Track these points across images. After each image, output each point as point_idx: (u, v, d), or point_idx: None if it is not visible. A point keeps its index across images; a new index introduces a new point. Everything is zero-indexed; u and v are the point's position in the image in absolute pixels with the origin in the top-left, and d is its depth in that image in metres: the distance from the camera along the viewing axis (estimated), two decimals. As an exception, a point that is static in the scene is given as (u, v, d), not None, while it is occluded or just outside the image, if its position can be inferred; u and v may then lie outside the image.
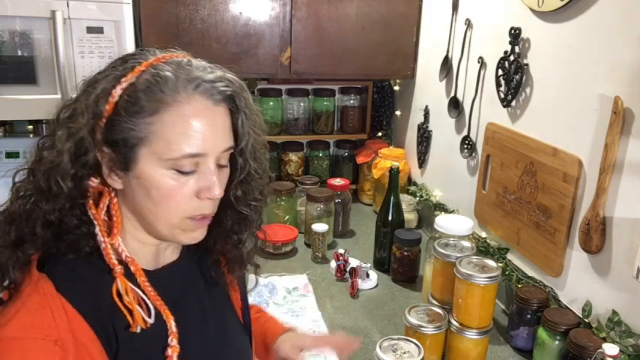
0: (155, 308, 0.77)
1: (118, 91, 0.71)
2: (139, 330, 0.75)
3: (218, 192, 0.76)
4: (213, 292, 0.92)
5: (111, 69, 0.74)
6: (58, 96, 1.67)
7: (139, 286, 0.76)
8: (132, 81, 0.71)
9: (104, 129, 0.71)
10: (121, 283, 0.74)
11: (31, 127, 2.00)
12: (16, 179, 0.76)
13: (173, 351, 0.77)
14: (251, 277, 1.01)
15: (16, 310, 0.69)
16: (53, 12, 1.61)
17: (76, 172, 0.72)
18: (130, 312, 0.74)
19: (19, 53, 1.67)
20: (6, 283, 0.72)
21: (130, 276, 0.76)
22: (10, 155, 1.92)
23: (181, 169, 0.73)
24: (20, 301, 0.70)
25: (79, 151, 0.71)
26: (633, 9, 1.14)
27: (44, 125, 1.96)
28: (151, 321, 0.76)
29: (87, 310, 0.71)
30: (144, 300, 0.76)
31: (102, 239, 0.75)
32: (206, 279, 0.92)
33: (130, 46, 1.76)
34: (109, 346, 0.73)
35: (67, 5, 1.65)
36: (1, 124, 1.96)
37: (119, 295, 0.74)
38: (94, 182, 0.75)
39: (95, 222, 0.75)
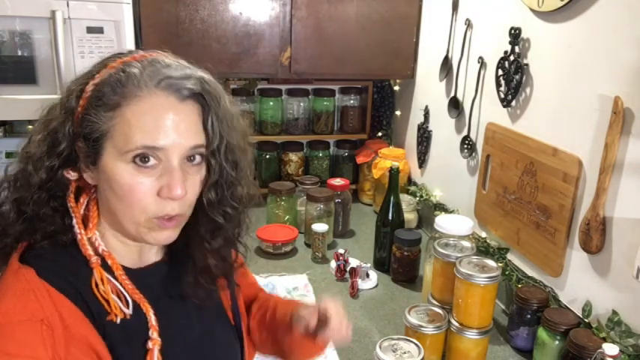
0: (134, 302, 0.78)
1: (90, 87, 0.74)
2: (118, 321, 0.76)
3: (179, 191, 0.74)
4: (199, 294, 0.89)
5: (91, 68, 0.78)
6: (58, 96, 1.66)
7: (116, 279, 0.77)
8: (104, 77, 0.74)
9: (77, 123, 0.75)
10: (97, 272, 0.76)
11: (31, 127, 1.99)
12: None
13: (154, 344, 0.78)
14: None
15: None
16: (53, 12, 1.61)
17: (51, 164, 0.75)
18: (108, 302, 0.75)
19: (19, 53, 1.67)
20: None
21: (108, 270, 0.77)
22: (10, 155, 1.92)
23: (139, 164, 0.73)
24: (1, 291, 0.71)
25: (53, 143, 0.74)
26: (633, 9, 1.14)
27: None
28: (128, 312, 0.77)
29: (71, 294, 0.73)
30: (122, 292, 0.77)
31: (78, 231, 0.77)
32: (191, 280, 0.89)
33: (130, 46, 1.76)
34: (98, 330, 0.74)
35: (67, 5, 1.65)
36: (1, 124, 1.96)
37: (97, 285, 0.76)
38: (71, 175, 0.77)
39: (73, 215, 0.77)
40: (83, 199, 0.79)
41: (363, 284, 1.72)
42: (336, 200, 2.04)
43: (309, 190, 2.02)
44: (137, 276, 0.80)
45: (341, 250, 1.78)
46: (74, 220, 0.77)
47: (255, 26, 1.99)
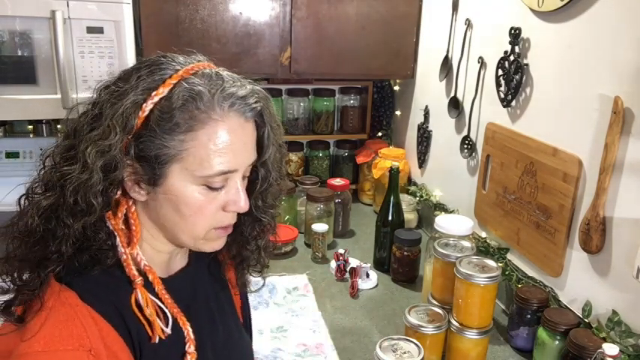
0: (172, 316, 0.77)
1: (149, 106, 0.69)
2: (157, 340, 0.75)
3: (244, 205, 0.77)
4: (219, 294, 0.93)
5: (137, 79, 0.71)
6: (58, 96, 1.67)
7: (156, 295, 0.76)
8: (163, 95, 0.69)
9: (134, 144, 0.70)
10: (141, 294, 0.73)
11: (31, 127, 2.00)
12: (28, 188, 0.73)
13: (192, 357, 0.79)
14: (255, 279, 1.01)
15: (40, 323, 0.67)
16: (53, 12, 1.61)
17: (104, 188, 0.70)
18: (149, 323, 0.74)
19: (19, 53, 1.67)
20: (24, 297, 0.70)
21: (147, 285, 0.75)
22: (10, 155, 1.92)
23: (212, 185, 0.73)
24: (44, 313, 0.68)
25: (108, 168, 0.69)
26: (633, 9, 1.14)
27: (44, 125, 1.96)
28: (168, 331, 0.76)
29: (113, 318, 0.71)
30: (162, 309, 0.76)
31: (122, 250, 0.74)
32: (213, 282, 0.92)
33: (130, 46, 1.76)
34: (134, 353, 0.73)
35: (67, 5, 1.65)
36: (1, 124, 1.96)
37: (138, 306, 0.73)
38: (116, 194, 0.73)
39: (116, 233, 0.73)
40: (121, 213, 0.74)
41: (363, 284, 1.72)
42: (336, 200, 2.04)
43: (309, 190, 2.02)
44: (168, 285, 0.79)
45: (341, 250, 1.78)
46: (117, 240, 0.73)
47: (255, 26, 1.99)
